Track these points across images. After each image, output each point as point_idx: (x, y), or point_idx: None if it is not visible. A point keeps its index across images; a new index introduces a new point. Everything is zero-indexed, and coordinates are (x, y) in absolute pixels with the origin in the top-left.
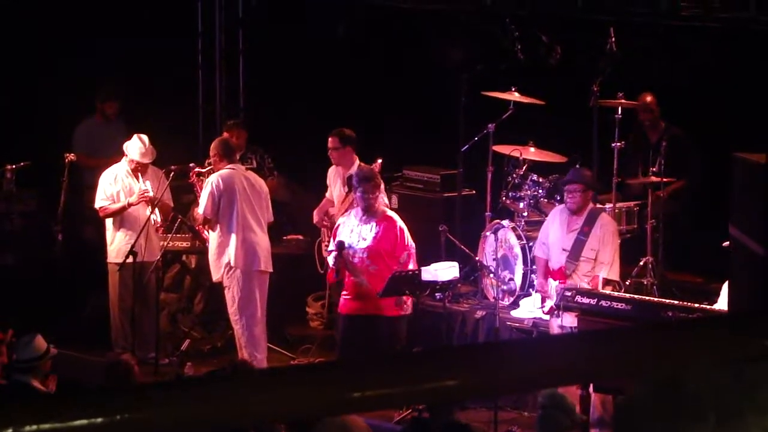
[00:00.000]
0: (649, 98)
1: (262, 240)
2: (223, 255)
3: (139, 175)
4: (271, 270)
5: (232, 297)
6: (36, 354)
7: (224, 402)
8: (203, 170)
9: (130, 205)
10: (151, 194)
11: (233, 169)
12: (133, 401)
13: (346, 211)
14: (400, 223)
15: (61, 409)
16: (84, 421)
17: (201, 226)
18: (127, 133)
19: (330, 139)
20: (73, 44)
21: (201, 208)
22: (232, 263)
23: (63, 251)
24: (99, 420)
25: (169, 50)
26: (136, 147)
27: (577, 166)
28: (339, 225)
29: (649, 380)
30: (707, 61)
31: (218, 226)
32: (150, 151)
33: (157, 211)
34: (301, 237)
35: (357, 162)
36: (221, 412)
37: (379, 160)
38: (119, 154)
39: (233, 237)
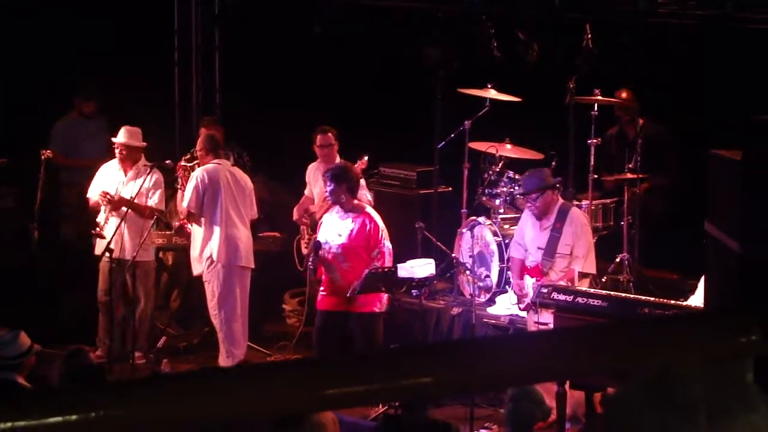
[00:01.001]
0: (624, 94)
1: (244, 236)
2: (205, 249)
3: (127, 169)
4: (252, 266)
5: (212, 291)
6: (20, 351)
7: (199, 399)
8: (189, 164)
9: (90, 200)
10: (111, 194)
11: (219, 164)
12: (109, 398)
13: (328, 209)
14: (377, 220)
15: (36, 406)
16: (59, 419)
17: (184, 221)
18: (108, 131)
19: (321, 136)
20: (50, 38)
21: (185, 202)
22: (214, 258)
23: (39, 248)
24: (74, 417)
25: (145, 47)
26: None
27: (530, 170)
28: (322, 223)
29: (637, 378)
30: (684, 58)
31: (201, 220)
32: (126, 133)
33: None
34: (278, 234)
35: (338, 159)
36: (197, 410)
37: (365, 158)
38: (97, 153)
39: (216, 231)
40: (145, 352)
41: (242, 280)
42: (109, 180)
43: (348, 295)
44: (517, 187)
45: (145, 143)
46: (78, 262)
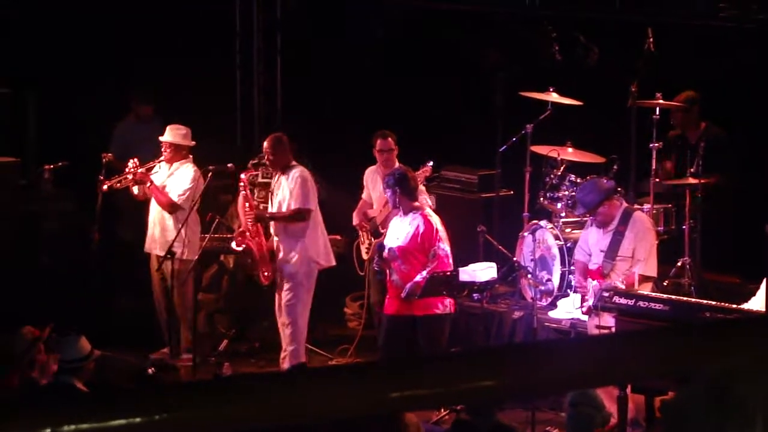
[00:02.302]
0: (685, 97)
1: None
2: (307, 250)
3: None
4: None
5: (296, 291)
6: (81, 355)
7: (261, 402)
8: (255, 172)
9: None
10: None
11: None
12: (171, 401)
13: (388, 213)
14: (433, 222)
15: (99, 408)
16: (122, 421)
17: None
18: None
19: (381, 141)
20: (111, 43)
21: (297, 201)
22: (322, 261)
23: (100, 251)
24: (137, 420)
25: (207, 50)
26: None
27: (583, 183)
28: (389, 227)
29: (696, 382)
30: (745, 62)
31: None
32: (171, 132)
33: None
34: (339, 237)
35: (397, 164)
36: (258, 412)
37: (430, 164)
38: (154, 156)
39: (319, 232)
40: (194, 355)
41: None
42: (157, 178)
43: (402, 296)
44: (575, 192)
45: (192, 142)
46: (137, 265)
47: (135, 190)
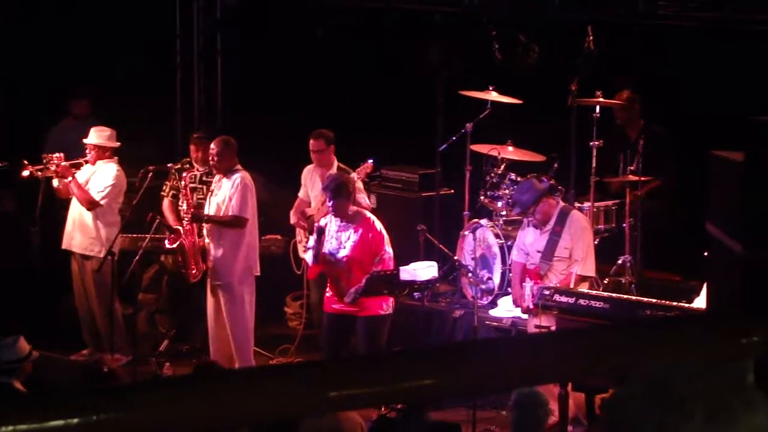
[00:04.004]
0: (626, 95)
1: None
2: (246, 258)
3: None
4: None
5: (241, 298)
6: (19, 356)
7: (201, 402)
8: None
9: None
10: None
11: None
12: (110, 402)
13: (326, 213)
14: (378, 227)
15: (37, 409)
16: (60, 422)
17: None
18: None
19: (313, 141)
20: (51, 43)
21: (235, 208)
22: (253, 267)
23: (40, 252)
24: (75, 421)
25: (147, 51)
26: None
27: (520, 182)
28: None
29: (636, 379)
30: (684, 60)
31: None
32: (96, 134)
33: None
34: (279, 237)
35: (336, 163)
36: (198, 413)
37: (370, 161)
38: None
39: (256, 240)
40: (146, 356)
41: None
42: (82, 178)
43: (346, 300)
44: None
45: (117, 143)
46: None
47: (55, 183)
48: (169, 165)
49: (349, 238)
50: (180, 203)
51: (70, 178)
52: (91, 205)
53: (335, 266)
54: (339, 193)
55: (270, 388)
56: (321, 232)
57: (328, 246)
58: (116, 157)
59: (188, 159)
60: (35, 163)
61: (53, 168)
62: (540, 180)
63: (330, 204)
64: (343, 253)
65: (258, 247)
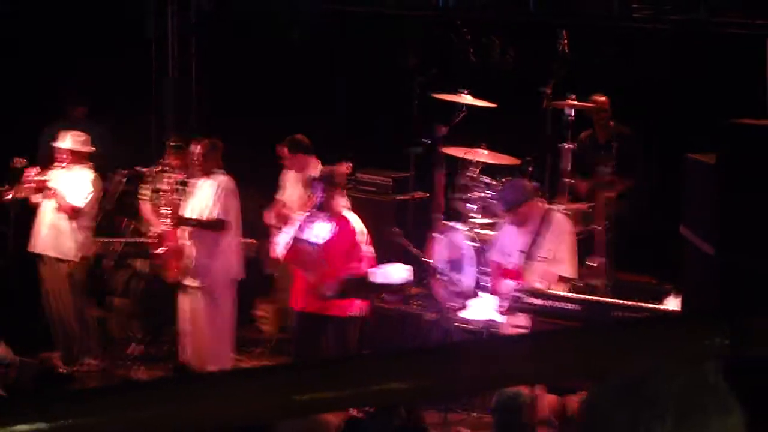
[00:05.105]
0: (602, 98)
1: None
2: (225, 261)
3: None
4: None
5: (217, 305)
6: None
7: (170, 406)
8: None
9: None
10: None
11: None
12: (77, 406)
13: (307, 208)
14: (357, 224)
15: (2, 414)
16: (25, 426)
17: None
18: (100, 137)
19: (279, 147)
20: (25, 47)
21: (217, 212)
22: (233, 271)
23: (16, 256)
24: (42, 425)
25: (121, 56)
26: None
27: (505, 183)
28: (297, 221)
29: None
30: (659, 63)
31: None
32: (72, 139)
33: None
34: (253, 241)
35: (317, 165)
36: (167, 417)
37: (348, 163)
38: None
39: (239, 244)
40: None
41: None
42: (55, 183)
43: (321, 293)
44: (492, 192)
45: (91, 148)
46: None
47: (36, 198)
48: (145, 170)
49: (328, 230)
50: (162, 205)
51: (51, 191)
52: (76, 213)
53: (310, 255)
54: (331, 184)
55: (239, 392)
56: (301, 222)
57: (306, 235)
58: (91, 162)
59: (167, 162)
60: (12, 182)
61: (33, 185)
62: (527, 181)
63: (320, 195)
64: (319, 241)
65: (240, 250)
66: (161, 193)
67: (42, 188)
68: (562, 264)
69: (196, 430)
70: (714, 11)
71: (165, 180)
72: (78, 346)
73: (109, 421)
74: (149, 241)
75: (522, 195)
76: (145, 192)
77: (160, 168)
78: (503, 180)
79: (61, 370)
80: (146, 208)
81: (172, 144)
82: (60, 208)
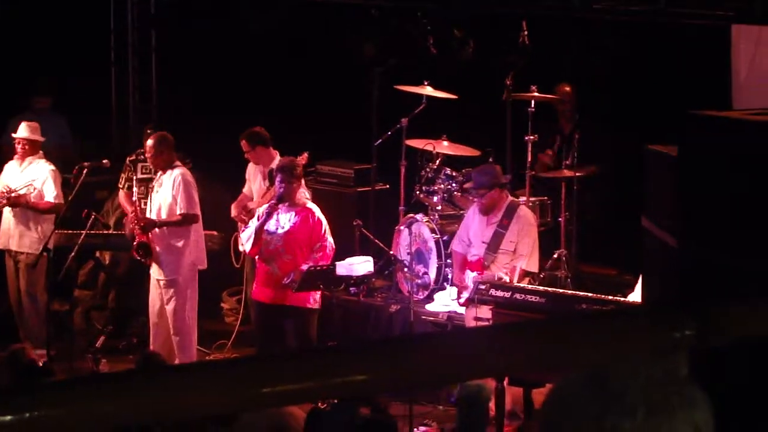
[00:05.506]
0: (567, 88)
1: None
2: (191, 254)
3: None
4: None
5: (184, 296)
6: None
7: (137, 398)
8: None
9: None
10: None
11: (181, 165)
12: (44, 398)
13: (269, 200)
14: (319, 215)
15: None
16: None
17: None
18: (60, 128)
19: (241, 142)
20: None
21: (183, 206)
22: (198, 262)
23: None
24: (7, 418)
25: (81, 48)
26: None
27: (481, 166)
28: (258, 213)
29: (574, 374)
30: (619, 54)
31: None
32: (28, 128)
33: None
34: (216, 233)
35: (277, 157)
36: (134, 408)
37: (305, 154)
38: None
39: (201, 236)
40: (83, 352)
41: None
42: (9, 176)
43: (285, 282)
44: (454, 184)
45: (42, 138)
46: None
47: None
48: (105, 161)
49: (289, 220)
50: (137, 195)
51: (23, 198)
52: (56, 209)
53: (271, 245)
54: (290, 175)
55: (204, 384)
56: (263, 214)
57: (268, 226)
58: (41, 152)
59: (142, 150)
60: None
61: (5, 202)
62: (501, 171)
63: (280, 185)
64: (281, 232)
65: (204, 240)
66: (135, 182)
67: (16, 203)
68: (524, 258)
69: (161, 422)
70: (672, 2)
71: (140, 168)
72: (37, 340)
73: (74, 413)
74: (133, 248)
75: (493, 179)
76: (122, 180)
77: (134, 157)
78: (464, 171)
79: (39, 363)
80: (122, 195)
81: (148, 132)
82: (40, 211)
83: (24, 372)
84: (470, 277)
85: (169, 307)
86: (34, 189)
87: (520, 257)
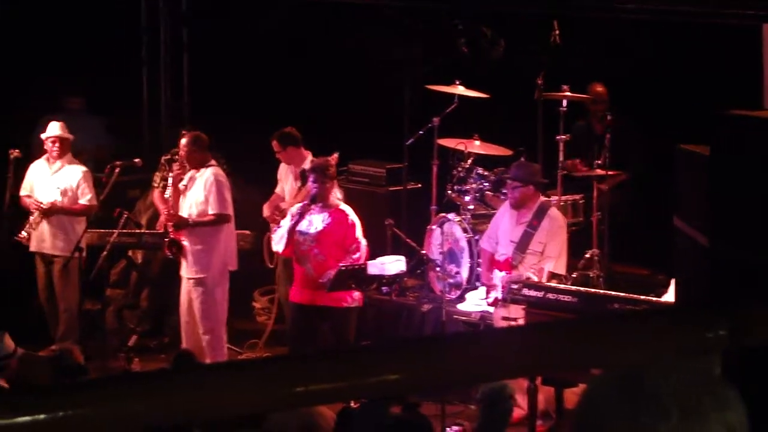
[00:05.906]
0: (600, 88)
1: None
2: (222, 253)
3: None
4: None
5: (214, 296)
6: (5, 353)
7: (170, 397)
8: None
9: (21, 199)
10: (42, 204)
11: (215, 165)
12: (78, 397)
13: (302, 200)
14: (353, 217)
15: (4, 406)
16: (27, 419)
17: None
18: (95, 129)
19: (272, 143)
20: (15, 39)
21: (215, 206)
22: (231, 263)
23: (8, 248)
24: (42, 417)
25: (113, 46)
26: None
27: (522, 159)
28: (291, 214)
29: (607, 374)
30: (651, 54)
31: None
32: (59, 127)
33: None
34: (248, 232)
35: (309, 157)
36: (166, 407)
37: (335, 154)
38: (82, 148)
39: (233, 236)
40: (115, 352)
41: None
42: (38, 177)
43: (321, 281)
44: (486, 183)
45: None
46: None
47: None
48: (136, 160)
49: (322, 221)
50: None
51: (58, 206)
52: (89, 211)
53: (304, 245)
54: (323, 175)
55: (236, 383)
56: (296, 214)
57: (301, 227)
58: (70, 153)
59: (177, 150)
60: (18, 171)
61: (39, 214)
62: (541, 173)
63: (313, 186)
64: (314, 232)
65: (235, 241)
66: (169, 181)
67: (49, 212)
68: (552, 259)
69: (192, 422)
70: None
71: (175, 168)
72: (73, 340)
73: (106, 412)
74: (165, 246)
75: (529, 175)
76: (156, 179)
77: (169, 156)
78: (495, 170)
79: (79, 362)
80: (156, 195)
81: (184, 132)
82: (74, 214)
83: (66, 372)
84: (498, 276)
85: (198, 306)
86: (69, 192)
87: (547, 259)
